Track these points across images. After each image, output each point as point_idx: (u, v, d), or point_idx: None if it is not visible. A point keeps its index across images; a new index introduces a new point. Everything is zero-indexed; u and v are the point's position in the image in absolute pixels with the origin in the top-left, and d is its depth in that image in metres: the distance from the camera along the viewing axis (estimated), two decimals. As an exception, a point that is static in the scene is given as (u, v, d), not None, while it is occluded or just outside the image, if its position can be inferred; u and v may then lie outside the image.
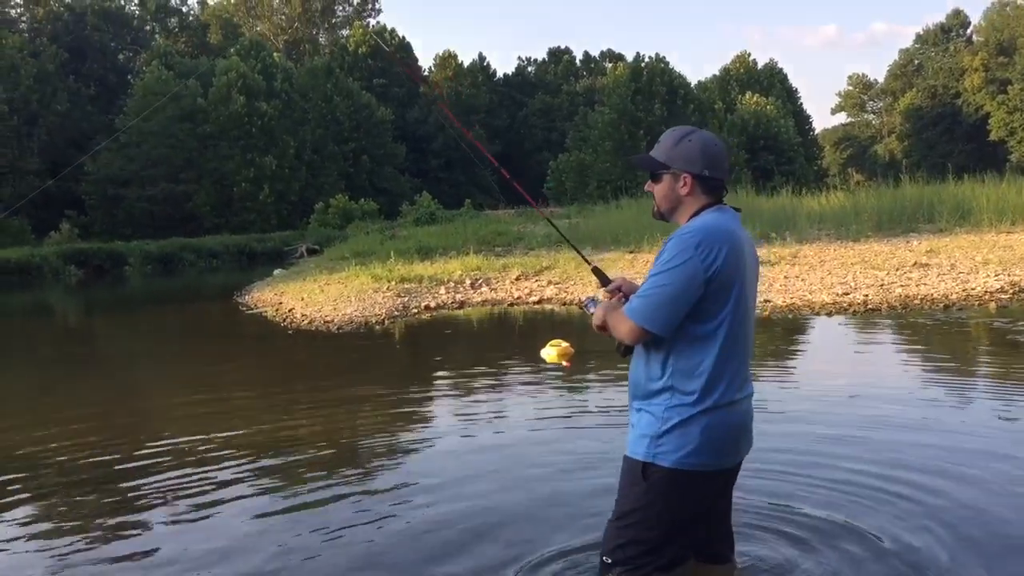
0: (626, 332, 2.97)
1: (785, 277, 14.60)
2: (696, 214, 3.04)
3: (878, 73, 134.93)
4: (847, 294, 12.78)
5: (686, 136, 3.07)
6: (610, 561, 3.11)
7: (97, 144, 50.14)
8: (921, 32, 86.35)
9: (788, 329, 11.34)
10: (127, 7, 70.43)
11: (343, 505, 5.12)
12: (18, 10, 63.93)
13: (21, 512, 5.35)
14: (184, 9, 76.45)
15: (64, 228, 44.29)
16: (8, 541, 4.83)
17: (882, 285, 13.26)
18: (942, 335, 10.20)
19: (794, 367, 9.24)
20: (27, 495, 5.72)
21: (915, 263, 15.03)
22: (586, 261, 3.83)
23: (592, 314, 3.19)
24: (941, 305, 11.86)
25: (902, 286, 13.09)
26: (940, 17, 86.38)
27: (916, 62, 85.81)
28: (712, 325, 2.92)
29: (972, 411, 6.80)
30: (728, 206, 3.08)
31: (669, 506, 2.99)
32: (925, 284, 13.13)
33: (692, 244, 2.87)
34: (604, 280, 3.36)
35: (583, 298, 3.41)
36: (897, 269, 14.57)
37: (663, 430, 2.95)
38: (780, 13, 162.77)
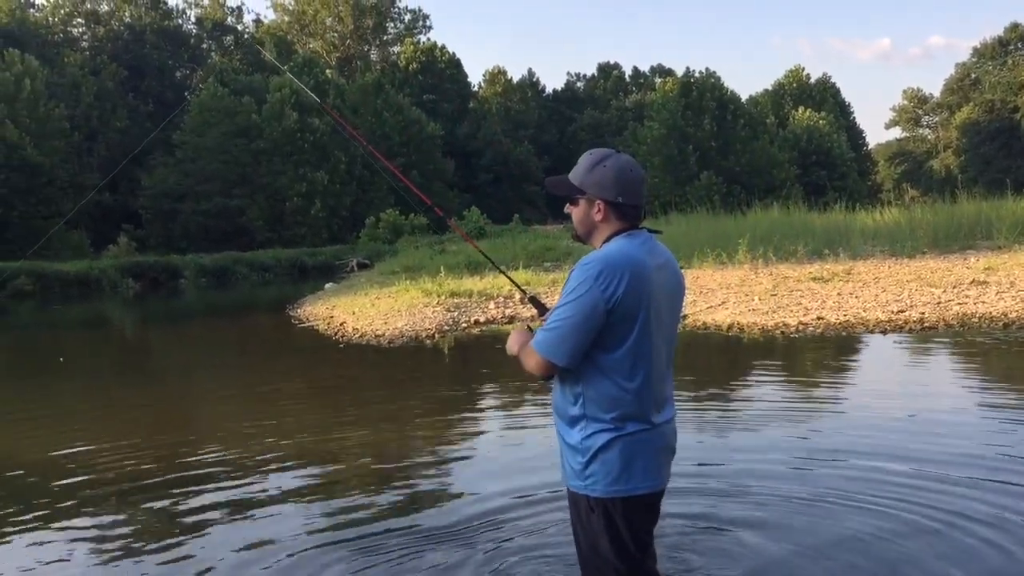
0: (534, 366, 2.93)
1: (838, 294, 14.40)
2: (609, 239, 3.01)
3: (934, 87, 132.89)
4: (902, 312, 12.57)
5: (601, 161, 3.00)
6: None
7: (154, 159, 51.44)
8: (978, 46, 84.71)
9: (841, 347, 11.19)
10: (184, 26, 72.16)
11: (388, 515, 5.17)
12: (80, 29, 65.81)
13: (77, 519, 5.49)
14: (239, 27, 78.14)
15: (121, 242, 45.25)
16: (63, 546, 4.96)
17: (939, 303, 13.01)
18: (1002, 354, 9.99)
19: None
20: (81, 503, 5.86)
21: (973, 280, 14.73)
22: (521, 291, 3.71)
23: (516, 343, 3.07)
24: (1000, 323, 11.60)
25: (959, 304, 12.83)
26: (998, 31, 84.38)
27: (973, 76, 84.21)
28: (619, 353, 2.87)
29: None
30: (643, 230, 3.02)
31: (614, 535, 2.92)
32: (983, 302, 12.85)
33: (593, 275, 2.85)
34: (541, 309, 3.30)
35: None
36: (954, 287, 14.29)
37: (586, 460, 2.90)
38: (834, 27, 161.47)
